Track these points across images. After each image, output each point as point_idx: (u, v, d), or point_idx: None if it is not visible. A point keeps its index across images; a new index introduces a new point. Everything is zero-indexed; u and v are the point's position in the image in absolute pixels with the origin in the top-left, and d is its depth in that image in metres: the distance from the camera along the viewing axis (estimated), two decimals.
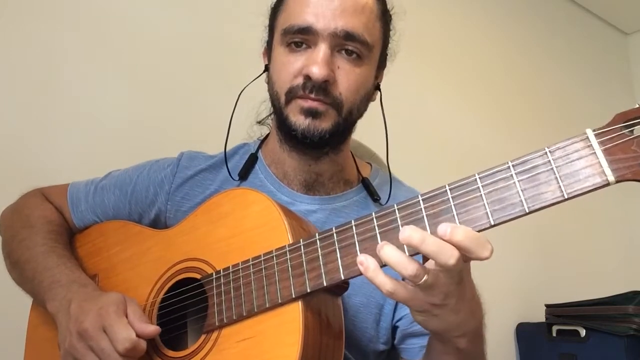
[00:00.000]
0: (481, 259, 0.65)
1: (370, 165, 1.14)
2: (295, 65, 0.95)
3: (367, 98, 1.02)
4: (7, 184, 1.32)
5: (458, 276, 0.67)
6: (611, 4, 3.67)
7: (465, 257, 0.65)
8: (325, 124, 0.95)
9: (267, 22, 1.08)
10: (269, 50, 1.06)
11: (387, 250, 0.67)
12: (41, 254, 1.04)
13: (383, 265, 0.68)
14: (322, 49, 0.93)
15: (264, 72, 1.07)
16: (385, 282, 0.67)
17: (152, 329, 0.87)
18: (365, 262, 0.68)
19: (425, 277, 0.66)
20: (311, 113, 0.94)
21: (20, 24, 1.67)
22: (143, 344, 0.85)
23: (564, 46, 3.49)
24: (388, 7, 1.05)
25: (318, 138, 0.95)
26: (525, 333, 2.70)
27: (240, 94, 1.09)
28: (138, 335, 0.84)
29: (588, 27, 3.75)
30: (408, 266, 0.65)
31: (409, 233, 0.65)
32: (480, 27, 3.03)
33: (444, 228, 0.64)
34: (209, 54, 2.01)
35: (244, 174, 1.08)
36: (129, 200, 1.12)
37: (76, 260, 1.07)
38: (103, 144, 1.74)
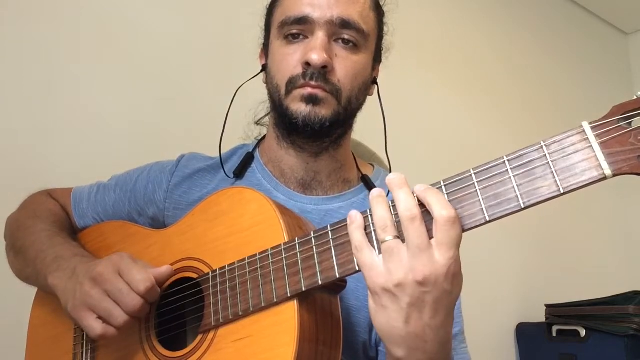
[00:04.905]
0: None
1: (373, 166, 1.14)
2: (295, 56, 0.97)
3: (365, 88, 1.03)
4: (8, 187, 1.33)
5: (418, 252, 0.65)
6: (611, 4, 3.68)
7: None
8: (325, 111, 0.96)
9: (263, 24, 1.09)
10: (265, 50, 1.07)
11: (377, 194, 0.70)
12: (46, 237, 1.06)
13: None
14: (319, 37, 0.95)
15: (261, 72, 1.08)
16: (358, 239, 0.70)
17: (166, 268, 0.91)
18: (354, 217, 0.72)
19: (390, 225, 0.68)
20: (312, 100, 0.95)
21: (20, 24, 1.67)
22: (158, 289, 0.89)
23: (564, 46, 3.49)
24: (380, 2, 1.07)
25: (319, 125, 0.95)
26: (525, 333, 2.70)
27: (235, 92, 1.10)
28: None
29: (588, 27, 3.76)
30: (382, 204, 0.69)
31: (397, 175, 0.70)
32: (480, 27, 3.03)
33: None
34: (211, 55, 2.01)
35: (240, 172, 1.08)
36: (129, 199, 1.13)
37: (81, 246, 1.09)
38: (104, 145, 1.74)
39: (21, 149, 1.61)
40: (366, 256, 0.69)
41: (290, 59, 0.97)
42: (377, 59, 1.07)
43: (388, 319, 0.68)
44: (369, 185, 1.07)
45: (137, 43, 1.88)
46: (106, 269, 0.89)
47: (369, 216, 0.72)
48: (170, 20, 1.97)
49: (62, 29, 1.74)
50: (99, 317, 0.87)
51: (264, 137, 1.14)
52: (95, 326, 0.87)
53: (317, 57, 0.93)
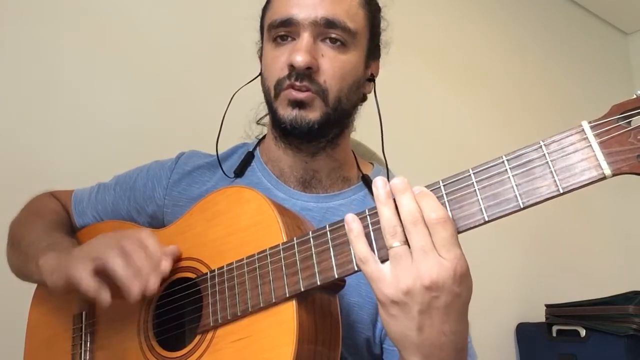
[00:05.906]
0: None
1: (373, 165, 1.14)
2: (281, 58, 0.96)
3: (357, 87, 1.02)
4: (8, 187, 1.33)
5: (423, 255, 0.65)
6: (611, 4, 3.68)
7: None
8: (312, 115, 0.95)
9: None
10: (260, 54, 1.07)
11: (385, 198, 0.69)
12: (44, 231, 1.06)
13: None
14: (304, 38, 0.95)
15: (259, 74, 1.08)
16: (361, 249, 0.69)
17: (173, 247, 0.92)
18: (352, 224, 0.70)
19: (399, 232, 0.67)
20: (297, 104, 0.95)
21: (20, 24, 1.66)
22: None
23: (564, 46, 3.49)
24: None
25: (307, 129, 0.95)
26: (525, 333, 2.70)
27: (233, 95, 1.10)
28: None
29: (588, 27, 3.76)
30: (390, 208, 0.68)
31: (401, 179, 0.68)
32: (479, 27, 3.03)
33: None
34: (211, 56, 2.01)
35: (240, 171, 1.08)
36: (128, 197, 1.14)
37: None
38: (104, 145, 1.74)
39: (21, 149, 1.61)
40: (372, 267, 0.68)
41: (278, 61, 0.97)
42: (371, 56, 1.05)
43: (401, 328, 0.68)
44: (369, 184, 1.06)
45: (137, 44, 1.88)
46: (124, 237, 0.89)
47: (367, 216, 0.72)
48: (170, 21, 1.97)
49: (62, 29, 1.74)
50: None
51: (264, 137, 1.14)
52: (91, 283, 0.86)
53: (300, 58, 0.92)
